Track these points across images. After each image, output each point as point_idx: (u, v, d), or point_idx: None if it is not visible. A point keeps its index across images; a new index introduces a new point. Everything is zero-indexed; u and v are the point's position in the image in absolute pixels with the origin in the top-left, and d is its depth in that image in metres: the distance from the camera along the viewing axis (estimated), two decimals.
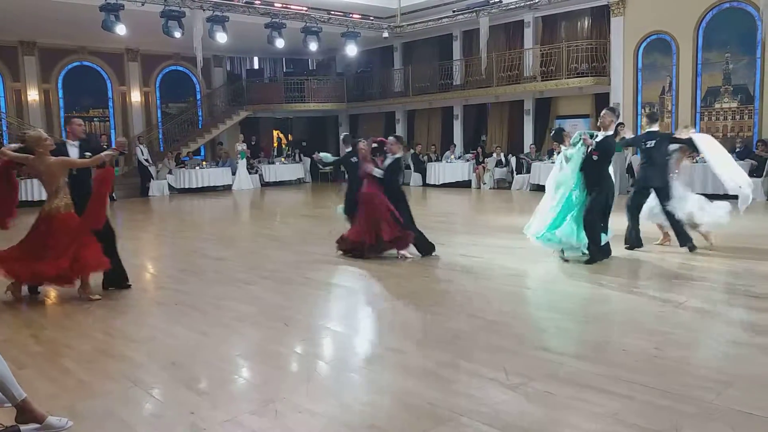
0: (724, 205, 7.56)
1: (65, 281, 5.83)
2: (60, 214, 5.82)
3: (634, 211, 7.71)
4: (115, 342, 4.71)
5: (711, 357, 3.95)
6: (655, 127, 7.84)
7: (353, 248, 7.62)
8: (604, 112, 7.25)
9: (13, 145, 6.05)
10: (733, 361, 3.88)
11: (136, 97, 20.71)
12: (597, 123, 7.60)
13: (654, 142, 7.62)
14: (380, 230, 7.36)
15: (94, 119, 20.24)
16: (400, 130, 21.61)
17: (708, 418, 3.12)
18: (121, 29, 14.09)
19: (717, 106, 14.41)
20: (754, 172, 12.74)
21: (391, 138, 7.88)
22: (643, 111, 15.46)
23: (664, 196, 7.52)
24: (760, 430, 3.02)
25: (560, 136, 7.51)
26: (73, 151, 6.23)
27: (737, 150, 13.30)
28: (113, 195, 17.19)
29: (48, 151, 5.85)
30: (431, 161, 19.17)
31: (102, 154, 6.18)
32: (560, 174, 7.27)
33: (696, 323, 4.75)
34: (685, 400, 3.32)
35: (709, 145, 7.68)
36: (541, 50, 17.29)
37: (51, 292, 6.31)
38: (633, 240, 7.69)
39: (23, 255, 5.79)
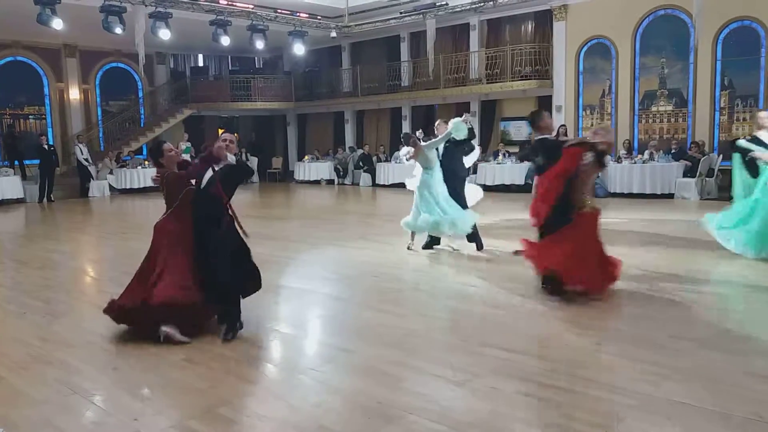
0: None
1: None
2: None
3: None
4: (52, 348, 4.53)
5: (650, 351, 4.10)
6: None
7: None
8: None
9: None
10: (671, 355, 4.04)
11: (74, 94, 19.92)
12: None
13: None
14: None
15: (30, 117, 19.39)
16: (349, 130, 21.58)
17: (647, 410, 3.23)
18: (57, 24, 13.53)
19: (654, 109, 14.97)
20: (688, 173, 13.28)
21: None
22: (584, 113, 15.92)
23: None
24: (695, 418, 3.15)
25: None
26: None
27: (672, 151, 13.84)
28: (51, 196, 16.53)
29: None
30: (380, 162, 19.21)
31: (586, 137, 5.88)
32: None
33: (633, 318, 4.92)
34: (626, 393, 3.43)
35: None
36: (486, 53, 17.58)
37: None
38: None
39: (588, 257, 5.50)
